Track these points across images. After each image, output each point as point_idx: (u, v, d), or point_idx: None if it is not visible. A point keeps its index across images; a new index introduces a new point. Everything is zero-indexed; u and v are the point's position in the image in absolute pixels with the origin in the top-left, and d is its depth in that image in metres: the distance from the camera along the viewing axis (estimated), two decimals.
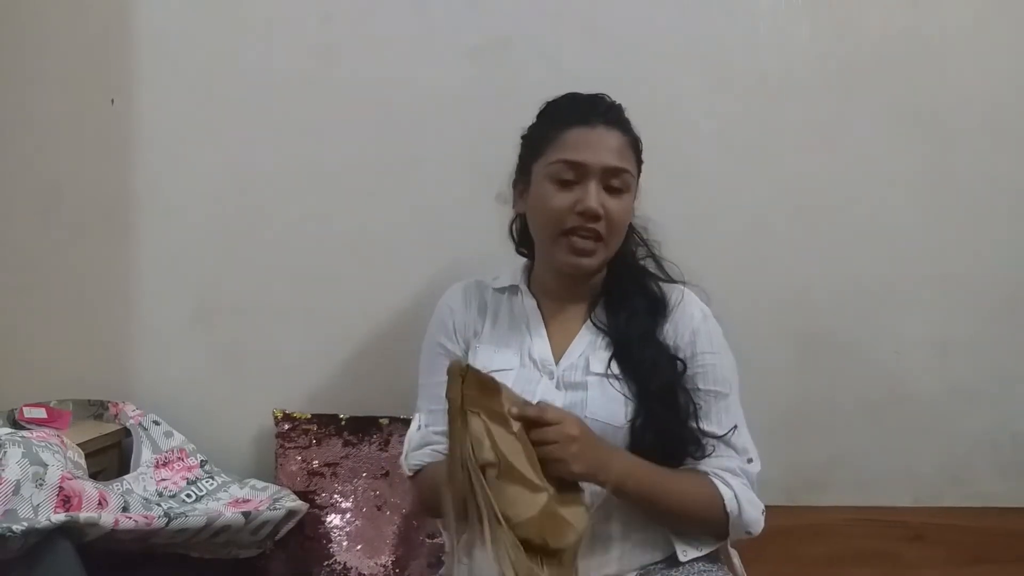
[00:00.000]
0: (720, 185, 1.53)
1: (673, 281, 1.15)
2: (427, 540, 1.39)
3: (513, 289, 1.16)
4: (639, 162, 1.10)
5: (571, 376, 1.06)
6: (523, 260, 1.21)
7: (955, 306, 1.55)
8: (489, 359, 1.10)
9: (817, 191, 1.54)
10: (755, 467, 1.07)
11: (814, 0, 1.53)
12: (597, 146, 1.03)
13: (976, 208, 1.55)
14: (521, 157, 1.14)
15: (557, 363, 1.08)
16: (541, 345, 1.10)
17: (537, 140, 1.09)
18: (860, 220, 1.54)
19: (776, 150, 1.53)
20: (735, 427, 1.06)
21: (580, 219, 1.02)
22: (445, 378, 1.03)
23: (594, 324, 1.10)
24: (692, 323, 1.09)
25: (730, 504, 1.01)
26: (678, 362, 1.06)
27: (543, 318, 1.13)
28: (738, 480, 1.03)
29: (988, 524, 1.56)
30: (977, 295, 1.55)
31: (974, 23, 1.54)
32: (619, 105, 1.10)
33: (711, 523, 1.03)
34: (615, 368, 1.04)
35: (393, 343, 1.48)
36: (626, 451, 1.00)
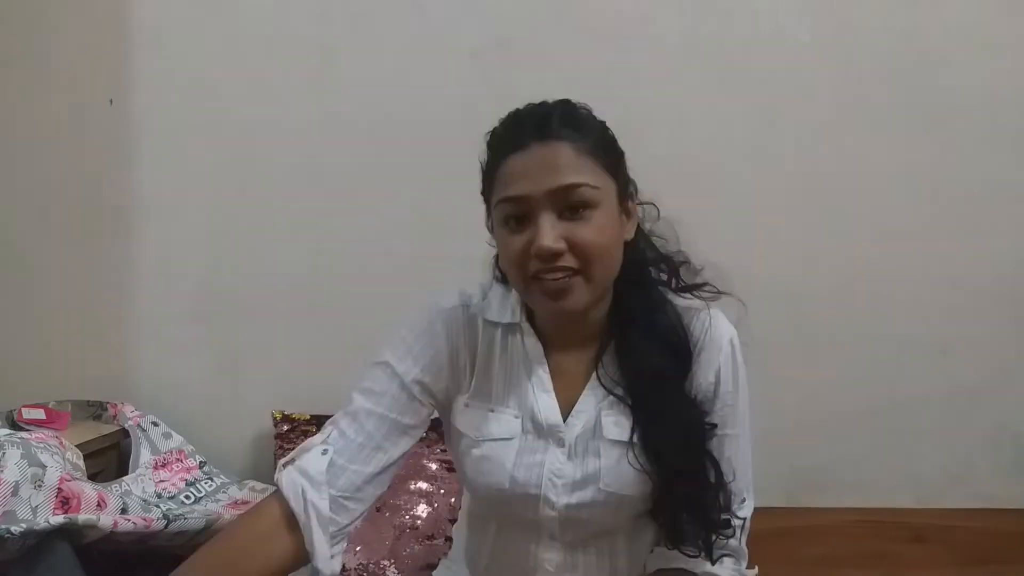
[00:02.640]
0: (720, 185, 1.53)
1: (696, 288, 0.96)
2: (426, 542, 1.39)
3: (511, 328, 0.94)
4: (612, 162, 0.88)
5: (583, 444, 0.89)
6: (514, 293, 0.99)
7: (955, 306, 1.55)
8: (484, 424, 0.91)
9: (817, 191, 1.54)
10: (747, 510, 0.94)
11: (814, 0, 1.53)
12: (535, 171, 0.83)
13: (976, 208, 1.54)
14: (483, 193, 0.94)
15: (565, 422, 0.91)
16: (547, 404, 0.91)
17: (486, 178, 0.91)
18: (860, 220, 1.54)
19: (776, 150, 1.53)
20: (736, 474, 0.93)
21: (539, 261, 0.82)
22: (391, 411, 0.88)
23: (601, 381, 0.91)
24: (719, 358, 0.92)
25: None
26: (707, 427, 0.90)
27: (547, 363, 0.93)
28: (730, 560, 0.93)
29: (989, 525, 1.55)
30: (977, 295, 1.55)
31: (974, 23, 1.53)
32: (560, 107, 0.88)
33: None
34: (635, 438, 0.88)
35: None
36: None
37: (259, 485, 1.42)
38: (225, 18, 1.53)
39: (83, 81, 1.54)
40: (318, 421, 1.46)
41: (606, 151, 0.88)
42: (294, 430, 1.45)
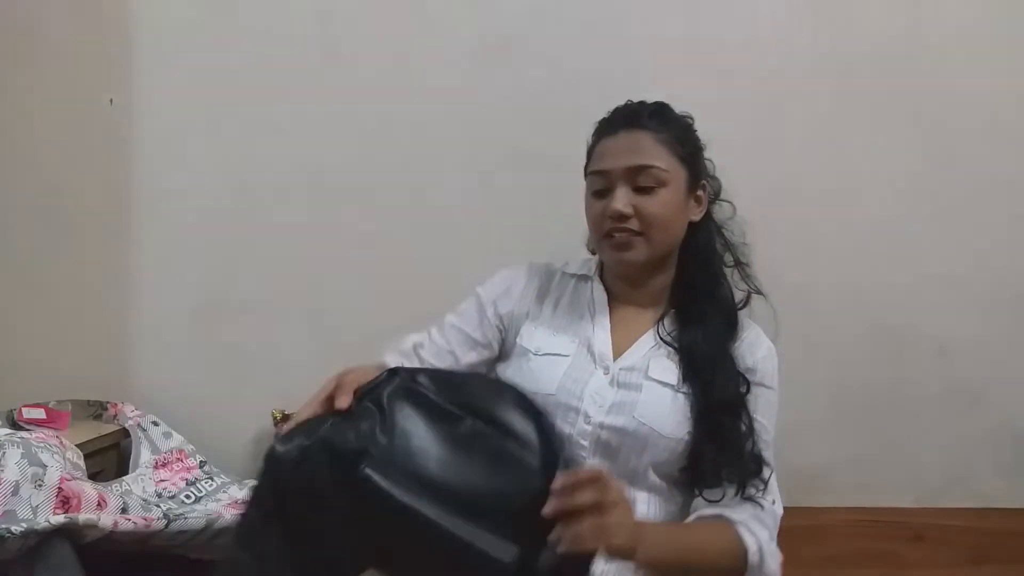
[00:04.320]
0: (718, 185, 1.53)
1: (748, 291, 1.11)
2: None
3: (584, 278, 1.14)
4: (687, 155, 1.06)
5: (627, 376, 1.04)
6: (596, 257, 1.18)
7: (955, 306, 1.55)
8: (545, 341, 1.08)
9: (817, 191, 1.54)
10: (779, 509, 1.05)
11: (814, 0, 1.53)
12: (618, 151, 1.04)
13: (976, 207, 1.54)
14: (584, 168, 1.14)
15: (615, 360, 1.06)
16: (602, 337, 1.07)
17: (587, 156, 1.11)
18: (860, 220, 1.54)
19: (776, 150, 1.53)
20: (772, 469, 1.05)
21: (611, 222, 1.03)
22: (466, 325, 1.10)
23: (659, 335, 1.07)
24: (758, 354, 1.07)
25: (753, 557, 0.98)
26: (743, 381, 1.04)
27: (609, 312, 1.10)
28: (765, 531, 1.01)
29: (989, 525, 1.55)
30: (977, 294, 1.55)
31: (974, 23, 1.53)
32: (652, 106, 1.08)
33: (731, 574, 0.99)
34: (683, 384, 1.02)
35: None
36: (645, 519, 0.98)
37: None
38: (225, 18, 1.52)
39: (83, 81, 1.54)
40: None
41: (683, 145, 1.06)
42: None
